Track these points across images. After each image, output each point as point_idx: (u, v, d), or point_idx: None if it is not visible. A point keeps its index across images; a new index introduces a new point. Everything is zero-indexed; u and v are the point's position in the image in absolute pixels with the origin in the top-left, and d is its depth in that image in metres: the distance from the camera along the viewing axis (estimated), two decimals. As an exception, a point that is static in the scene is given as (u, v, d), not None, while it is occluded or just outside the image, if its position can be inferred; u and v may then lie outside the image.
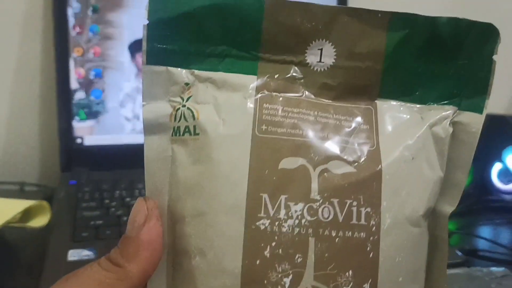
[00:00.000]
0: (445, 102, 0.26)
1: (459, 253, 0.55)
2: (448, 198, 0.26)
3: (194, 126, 0.25)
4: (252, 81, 0.25)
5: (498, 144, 0.73)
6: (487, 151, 0.73)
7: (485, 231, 0.66)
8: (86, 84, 0.67)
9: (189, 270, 0.24)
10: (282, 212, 0.23)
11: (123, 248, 0.24)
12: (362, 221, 0.24)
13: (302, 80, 0.25)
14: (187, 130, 0.25)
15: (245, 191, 0.23)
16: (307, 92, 0.26)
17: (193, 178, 0.24)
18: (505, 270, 0.52)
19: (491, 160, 0.73)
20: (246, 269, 0.23)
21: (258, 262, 0.23)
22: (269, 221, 0.23)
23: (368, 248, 0.24)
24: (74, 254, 0.49)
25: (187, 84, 0.25)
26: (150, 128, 0.25)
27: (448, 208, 0.26)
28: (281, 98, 0.25)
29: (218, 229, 0.23)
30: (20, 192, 0.67)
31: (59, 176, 0.67)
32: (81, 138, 0.69)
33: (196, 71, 0.25)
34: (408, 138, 0.25)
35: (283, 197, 0.23)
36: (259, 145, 0.24)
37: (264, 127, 0.24)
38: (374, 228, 0.24)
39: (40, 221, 0.53)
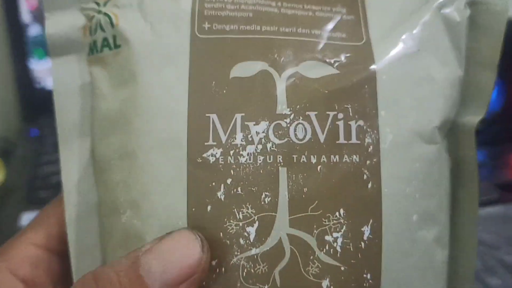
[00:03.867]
0: None
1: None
2: (473, 105, 0.21)
3: (114, 36, 0.20)
4: None
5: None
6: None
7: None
8: (41, 16, 0.59)
9: (119, 231, 0.20)
10: (239, 136, 0.19)
11: None
12: (353, 140, 0.19)
13: None
14: (105, 43, 0.21)
15: (186, 114, 0.19)
16: None
17: (117, 108, 0.20)
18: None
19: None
20: (194, 220, 0.19)
21: (209, 208, 0.19)
22: (220, 150, 0.19)
23: (365, 177, 0.19)
24: (28, 219, 0.41)
25: None
26: (58, 48, 0.21)
27: (474, 118, 0.21)
28: None
29: (152, 171, 0.19)
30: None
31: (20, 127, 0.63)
32: (41, 80, 0.63)
33: None
34: (410, 26, 0.20)
35: (238, 116, 0.19)
36: (201, 49, 0.20)
37: (207, 25, 0.20)
38: (371, 148, 0.19)
39: (-8, 180, 0.47)
